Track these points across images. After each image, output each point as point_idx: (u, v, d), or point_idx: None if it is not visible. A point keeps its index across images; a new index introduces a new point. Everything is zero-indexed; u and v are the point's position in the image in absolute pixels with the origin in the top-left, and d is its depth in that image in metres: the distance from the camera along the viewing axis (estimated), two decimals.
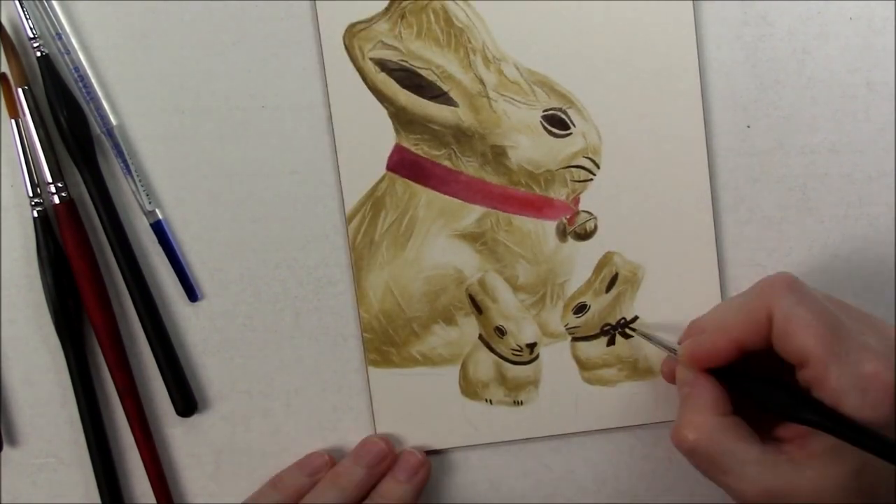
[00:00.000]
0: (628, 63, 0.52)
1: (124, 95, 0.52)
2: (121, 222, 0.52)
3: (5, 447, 0.53)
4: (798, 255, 0.54)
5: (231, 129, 0.52)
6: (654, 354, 0.53)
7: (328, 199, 0.53)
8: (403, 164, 0.52)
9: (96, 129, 0.52)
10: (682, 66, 0.52)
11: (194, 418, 0.54)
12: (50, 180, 0.51)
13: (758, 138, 0.53)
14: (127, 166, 0.52)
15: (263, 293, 0.53)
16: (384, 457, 0.53)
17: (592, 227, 0.53)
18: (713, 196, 0.53)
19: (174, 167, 0.53)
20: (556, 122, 0.52)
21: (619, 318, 0.53)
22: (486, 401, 0.54)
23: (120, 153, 0.52)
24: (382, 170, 0.52)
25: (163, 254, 0.53)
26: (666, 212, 0.53)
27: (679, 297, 0.53)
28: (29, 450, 0.54)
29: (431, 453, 0.54)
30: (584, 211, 0.53)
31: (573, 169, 0.53)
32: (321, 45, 0.52)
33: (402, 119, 0.52)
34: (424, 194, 0.53)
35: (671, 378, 0.50)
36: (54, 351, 0.53)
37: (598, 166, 0.53)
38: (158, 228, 0.53)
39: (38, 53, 0.51)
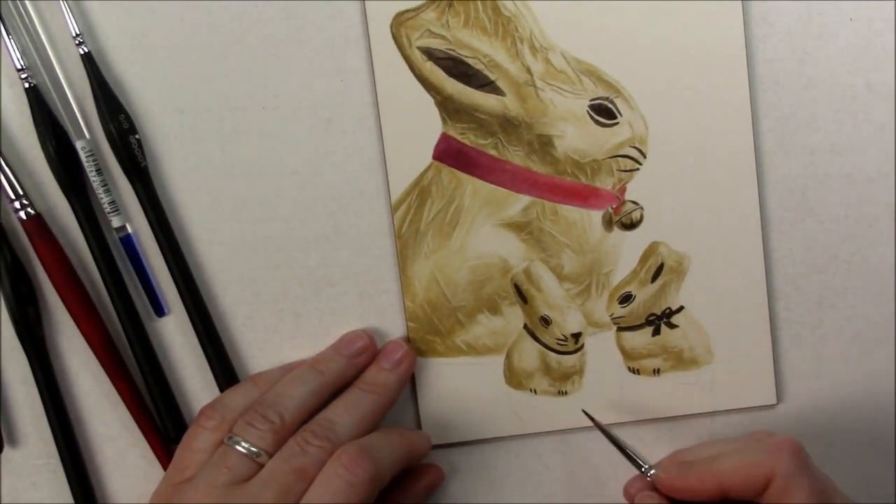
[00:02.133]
0: (675, 52, 0.52)
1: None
2: (110, 249, 0.52)
3: (6, 447, 0.53)
4: (798, 255, 0.54)
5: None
6: (700, 345, 0.53)
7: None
8: (450, 153, 0.52)
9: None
10: (729, 55, 0.52)
11: None
12: (13, 197, 0.51)
13: (758, 138, 0.53)
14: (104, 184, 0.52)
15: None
16: (364, 349, 0.52)
17: (638, 216, 0.53)
18: (760, 186, 0.53)
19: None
20: (603, 112, 0.52)
21: (664, 307, 0.53)
22: (531, 390, 0.54)
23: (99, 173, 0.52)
24: (429, 159, 0.52)
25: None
26: (712, 201, 0.53)
27: (724, 286, 0.53)
28: (29, 450, 0.54)
29: (475, 442, 0.54)
30: (630, 201, 0.53)
31: (619, 158, 0.52)
32: (368, 35, 0.51)
33: (448, 108, 0.52)
34: (470, 183, 0.52)
35: (631, 498, 0.51)
36: None
37: (644, 156, 0.52)
38: (127, 243, 0.52)
39: (27, 84, 0.50)
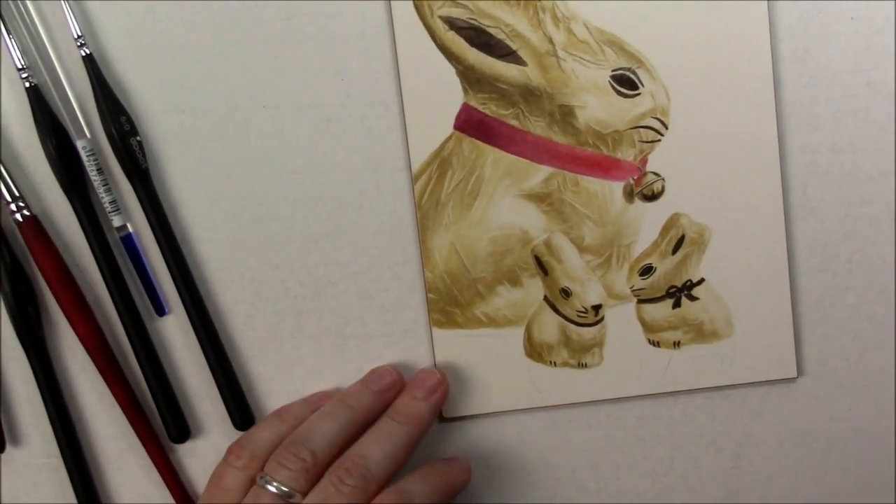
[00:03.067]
0: (698, 23, 0.52)
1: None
2: (111, 248, 0.52)
3: (7, 447, 0.53)
4: (798, 255, 0.53)
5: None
6: (721, 317, 0.53)
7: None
8: (471, 124, 0.52)
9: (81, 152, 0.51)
10: (753, 26, 0.52)
11: None
12: (9, 199, 0.51)
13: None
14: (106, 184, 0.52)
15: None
16: (393, 384, 0.52)
17: (660, 188, 0.53)
18: (781, 158, 0.53)
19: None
20: (625, 82, 0.52)
21: (685, 280, 0.53)
22: (551, 363, 0.54)
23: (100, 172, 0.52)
24: (450, 129, 0.52)
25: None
26: (733, 174, 0.52)
27: (746, 259, 0.53)
28: (29, 450, 0.53)
29: (495, 414, 0.54)
30: (651, 172, 0.53)
31: (641, 129, 0.52)
32: (390, 3, 0.51)
33: (470, 78, 0.52)
34: (491, 154, 0.52)
35: None
36: None
37: (666, 127, 0.52)
38: (128, 242, 0.52)
39: (27, 84, 0.50)
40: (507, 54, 0.52)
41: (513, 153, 0.52)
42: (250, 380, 0.54)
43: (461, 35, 0.52)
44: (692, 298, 0.53)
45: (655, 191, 0.53)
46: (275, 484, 0.48)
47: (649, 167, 0.53)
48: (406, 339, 0.53)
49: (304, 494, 0.48)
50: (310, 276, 0.53)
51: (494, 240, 0.53)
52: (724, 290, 0.53)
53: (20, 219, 0.51)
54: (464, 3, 0.51)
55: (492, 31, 0.52)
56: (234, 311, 0.53)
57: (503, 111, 0.52)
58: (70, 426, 0.52)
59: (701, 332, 0.53)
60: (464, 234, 0.53)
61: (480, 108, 0.52)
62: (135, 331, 0.52)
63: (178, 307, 0.53)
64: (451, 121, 0.52)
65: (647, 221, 0.53)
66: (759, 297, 0.53)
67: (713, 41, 0.52)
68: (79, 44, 0.50)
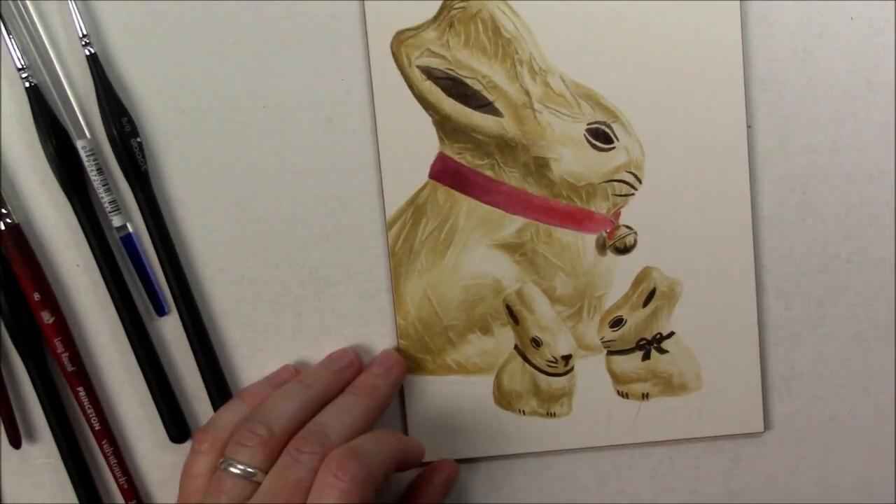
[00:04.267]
0: (674, 79, 0.52)
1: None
2: (110, 247, 0.52)
3: (7, 447, 0.53)
4: (798, 255, 0.54)
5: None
6: (690, 371, 0.54)
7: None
8: (446, 173, 0.52)
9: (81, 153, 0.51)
10: (727, 83, 0.52)
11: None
12: None
13: (758, 138, 0.53)
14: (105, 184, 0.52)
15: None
16: (351, 364, 0.52)
17: (632, 241, 0.53)
18: (754, 215, 0.53)
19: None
20: (601, 136, 0.52)
21: (655, 333, 0.54)
22: (520, 411, 0.54)
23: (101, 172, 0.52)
24: (425, 178, 0.52)
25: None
26: (706, 229, 0.53)
27: (716, 313, 0.53)
28: (30, 450, 0.54)
29: (463, 461, 0.54)
30: (624, 225, 0.53)
31: (615, 183, 0.53)
32: (368, 52, 0.51)
33: (446, 127, 0.52)
34: (466, 203, 0.53)
35: None
36: None
37: (640, 181, 0.53)
38: (128, 242, 0.52)
39: (27, 84, 0.50)
40: (483, 105, 0.52)
41: (487, 203, 0.53)
42: (250, 380, 0.54)
43: (438, 85, 0.52)
44: (662, 351, 0.54)
45: (628, 244, 0.53)
46: (237, 466, 0.47)
47: (622, 220, 0.53)
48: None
49: (265, 471, 0.47)
50: (310, 276, 0.53)
51: (467, 288, 0.53)
52: (694, 344, 0.54)
53: (2, 227, 0.51)
54: (441, 53, 0.52)
55: (469, 81, 0.52)
56: (234, 310, 0.53)
57: (478, 161, 0.52)
58: (69, 427, 0.52)
59: (670, 385, 0.54)
60: (436, 282, 0.53)
61: (456, 157, 0.52)
62: (135, 331, 0.52)
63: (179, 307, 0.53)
64: (427, 169, 0.52)
65: (619, 274, 0.53)
66: (729, 351, 0.54)
67: (688, 97, 0.52)
68: (83, 43, 0.50)
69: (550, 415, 0.54)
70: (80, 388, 0.52)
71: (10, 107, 0.51)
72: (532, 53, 0.52)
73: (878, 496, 0.55)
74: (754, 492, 0.55)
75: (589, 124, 0.52)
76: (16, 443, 0.53)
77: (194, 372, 0.53)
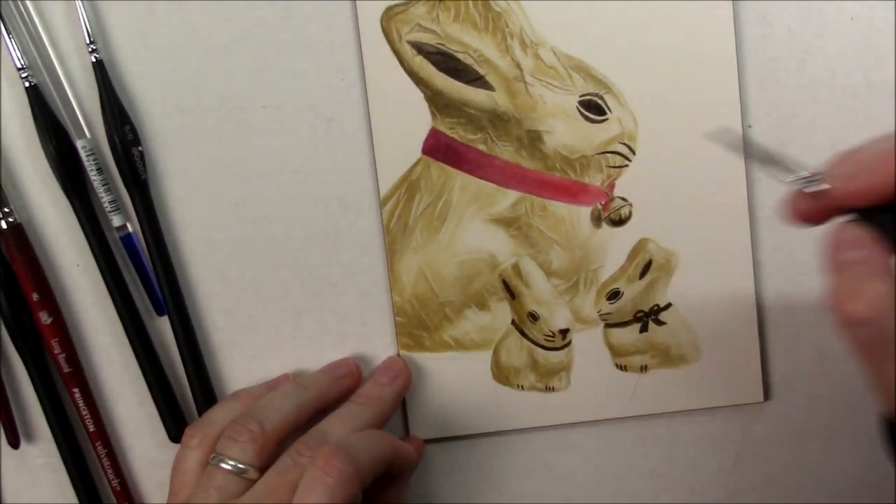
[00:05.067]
0: (665, 49, 0.52)
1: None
2: (109, 247, 0.52)
3: (7, 447, 0.53)
4: (798, 255, 0.54)
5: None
6: (688, 342, 0.53)
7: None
8: (439, 148, 0.52)
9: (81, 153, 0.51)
10: (719, 51, 0.52)
11: None
12: None
13: (758, 138, 0.53)
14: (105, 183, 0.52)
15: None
16: (350, 373, 0.52)
17: (627, 213, 0.53)
18: (748, 183, 0.53)
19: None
20: (593, 108, 0.52)
21: (652, 304, 0.53)
22: (518, 386, 0.54)
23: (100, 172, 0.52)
24: (418, 153, 0.52)
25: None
26: (701, 198, 0.53)
27: (713, 284, 0.53)
28: (30, 450, 0.54)
29: (462, 437, 0.54)
30: (619, 197, 0.53)
31: (609, 155, 0.52)
32: (358, 28, 0.51)
33: (438, 103, 0.52)
34: (459, 178, 0.52)
35: (806, 217, 0.41)
36: None
37: (633, 152, 0.52)
38: (128, 242, 0.52)
39: (27, 84, 0.50)
40: (475, 79, 0.52)
41: (480, 178, 0.52)
42: (251, 380, 0.54)
43: (429, 60, 0.52)
44: (659, 323, 0.54)
45: (623, 216, 0.53)
46: (228, 462, 0.47)
47: (617, 192, 0.53)
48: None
49: (257, 468, 0.47)
50: (310, 276, 0.53)
51: (462, 264, 0.53)
52: (692, 315, 0.53)
53: (4, 226, 0.51)
54: (432, 28, 0.51)
55: (460, 56, 0.52)
56: (234, 310, 0.53)
57: (471, 136, 0.52)
58: (69, 427, 0.52)
59: (668, 357, 0.54)
60: (432, 259, 0.53)
61: (448, 132, 0.52)
62: (134, 330, 0.52)
63: None
64: (420, 145, 0.52)
65: (615, 246, 0.53)
66: (727, 322, 0.53)
67: (680, 67, 0.52)
68: (90, 49, 0.50)
69: (549, 389, 0.54)
70: (76, 390, 0.52)
71: (10, 107, 0.51)
72: (523, 26, 0.51)
73: (878, 496, 0.55)
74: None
75: (581, 96, 0.52)
76: (14, 443, 0.53)
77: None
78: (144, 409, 0.53)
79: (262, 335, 0.53)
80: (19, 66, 0.50)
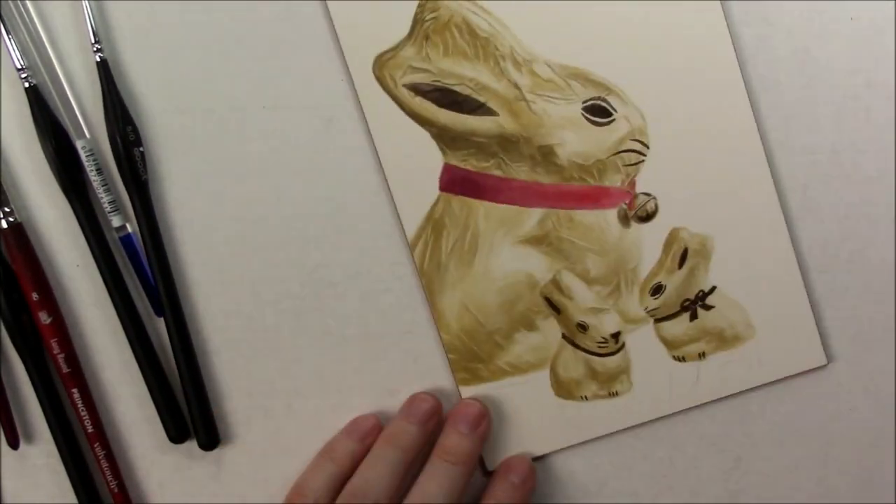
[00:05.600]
0: (659, 40, 0.52)
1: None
2: (109, 247, 0.52)
3: (7, 447, 0.54)
4: (798, 255, 0.53)
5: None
6: (740, 321, 0.53)
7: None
8: (455, 182, 0.52)
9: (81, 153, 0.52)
10: (711, 32, 0.52)
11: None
12: None
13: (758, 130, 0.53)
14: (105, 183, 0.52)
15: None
16: (434, 413, 0.52)
17: (653, 207, 0.53)
18: (775, 160, 0.52)
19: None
20: (598, 111, 0.52)
21: (696, 291, 0.53)
22: (582, 398, 0.54)
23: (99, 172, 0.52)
24: (436, 191, 0.53)
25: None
26: (723, 178, 0.52)
27: (753, 259, 0.53)
28: (30, 450, 0.54)
29: (536, 459, 0.54)
30: (642, 193, 0.53)
31: (623, 154, 0.52)
32: (354, 85, 0.52)
33: (445, 138, 0.52)
34: (482, 207, 0.53)
35: None
36: None
37: (647, 146, 0.52)
38: (127, 242, 0.53)
39: (27, 84, 0.51)
40: (477, 108, 0.52)
41: (502, 202, 0.53)
42: (251, 380, 0.54)
43: (428, 98, 0.52)
44: (707, 308, 0.53)
45: (649, 210, 0.53)
46: None
47: (639, 188, 0.53)
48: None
49: None
50: (310, 276, 0.53)
51: (502, 290, 0.53)
52: (738, 294, 0.53)
53: (5, 226, 0.51)
54: (424, 67, 0.52)
55: (457, 88, 0.52)
56: (234, 311, 0.53)
57: (484, 164, 0.52)
58: (69, 427, 0.53)
59: (723, 339, 0.53)
60: (471, 291, 0.53)
61: (461, 165, 0.52)
62: (134, 331, 0.52)
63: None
64: (436, 183, 0.52)
65: (648, 242, 0.53)
66: (774, 293, 0.53)
67: (675, 54, 0.52)
68: (94, 49, 0.51)
69: (612, 395, 0.54)
70: (75, 390, 0.52)
71: (10, 107, 0.52)
72: (512, 46, 0.52)
73: (878, 496, 0.55)
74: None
75: (584, 102, 0.52)
76: (14, 444, 0.53)
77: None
78: (144, 409, 0.54)
79: (262, 336, 0.54)
80: (19, 66, 0.51)
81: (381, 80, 0.52)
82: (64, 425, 0.53)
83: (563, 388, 0.54)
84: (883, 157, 0.53)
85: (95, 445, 0.53)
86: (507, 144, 0.52)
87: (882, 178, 0.53)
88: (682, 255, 0.53)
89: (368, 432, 0.53)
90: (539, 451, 0.54)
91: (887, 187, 0.53)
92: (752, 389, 0.54)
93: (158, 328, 0.53)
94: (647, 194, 0.53)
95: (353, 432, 0.53)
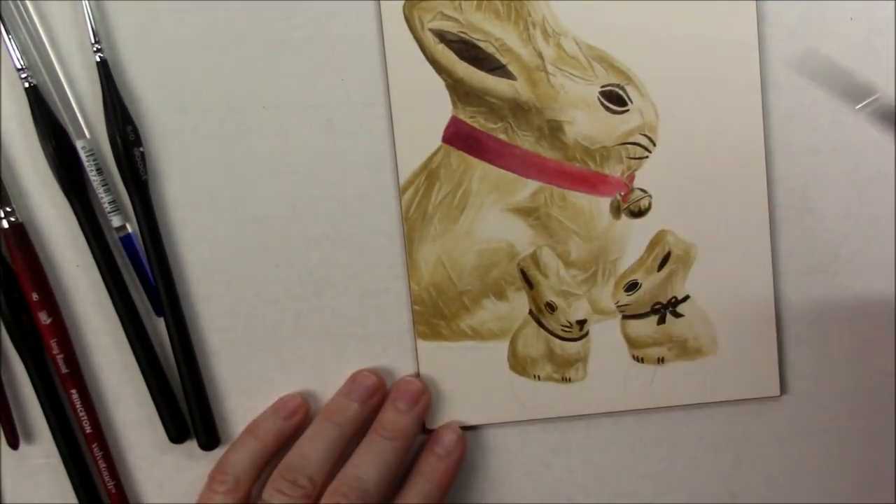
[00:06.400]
0: (688, 41, 0.52)
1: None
2: (109, 247, 0.52)
3: (6, 448, 0.53)
4: (798, 255, 0.53)
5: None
6: (705, 335, 0.53)
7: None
8: (459, 137, 0.52)
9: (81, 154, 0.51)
10: (741, 45, 0.52)
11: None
12: None
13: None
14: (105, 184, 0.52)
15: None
16: (376, 390, 0.52)
17: (647, 204, 0.53)
18: (769, 177, 0.53)
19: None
20: (614, 99, 0.52)
21: (670, 296, 0.53)
22: (535, 377, 0.54)
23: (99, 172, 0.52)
24: (438, 141, 0.52)
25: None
26: (721, 192, 0.53)
27: (731, 277, 0.53)
28: (31, 450, 0.54)
29: (477, 427, 0.54)
30: (638, 188, 0.53)
31: (629, 146, 0.52)
32: (381, 15, 0.51)
33: (459, 91, 0.52)
34: (479, 167, 0.52)
35: None
36: None
37: (654, 144, 0.52)
38: (127, 242, 0.52)
39: (27, 84, 0.50)
40: (496, 68, 0.52)
41: (500, 167, 0.52)
42: (250, 380, 0.54)
43: (451, 48, 0.52)
44: (677, 315, 0.53)
45: (642, 207, 0.53)
46: None
47: (636, 183, 0.53)
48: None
49: None
50: (310, 276, 0.53)
51: (481, 253, 0.53)
52: (709, 308, 0.53)
53: (6, 226, 0.51)
54: (454, 16, 0.51)
55: (482, 44, 0.52)
56: (234, 310, 0.53)
57: (491, 125, 0.52)
58: (69, 427, 0.52)
59: (685, 349, 0.54)
60: (450, 247, 0.53)
61: (469, 121, 0.52)
62: (134, 331, 0.52)
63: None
64: (440, 133, 0.52)
65: (634, 237, 0.53)
66: (744, 315, 0.53)
67: (702, 58, 0.52)
68: (95, 49, 0.50)
69: (565, 380, 0.54)
70: (74, 391, 0.52)
71: (10, 107, 0.51)
72: (545, 16, 0.51)
73: (878, 496, 0.55)
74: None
75: (602, 87, 0.52)
76: (14, 444, 0.53)
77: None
78: (144, 409, 0.53)
79: (262, 336, 0.53)
80: (19, 66, 0.50)
81: (409, 19, 0.51)
82: (64, 425, 0.52)
83: (519, 364, 0.53)
84: (883, 156, 0.53)
85: (93, 446, 0.53)
86: (517, 111, 0.52)
87: (882, 178, 0.53)
88: (664, 257, 0.53)
89: (294, 411, 0.52)
90: (478, 421, 0.54)
91: (887, 186, 0.53)
92: (703, 404, 0.54)
93: (158, 328, 0.53)
94: (644, 191, 0.53)
95: (278, 410, 0.53)
